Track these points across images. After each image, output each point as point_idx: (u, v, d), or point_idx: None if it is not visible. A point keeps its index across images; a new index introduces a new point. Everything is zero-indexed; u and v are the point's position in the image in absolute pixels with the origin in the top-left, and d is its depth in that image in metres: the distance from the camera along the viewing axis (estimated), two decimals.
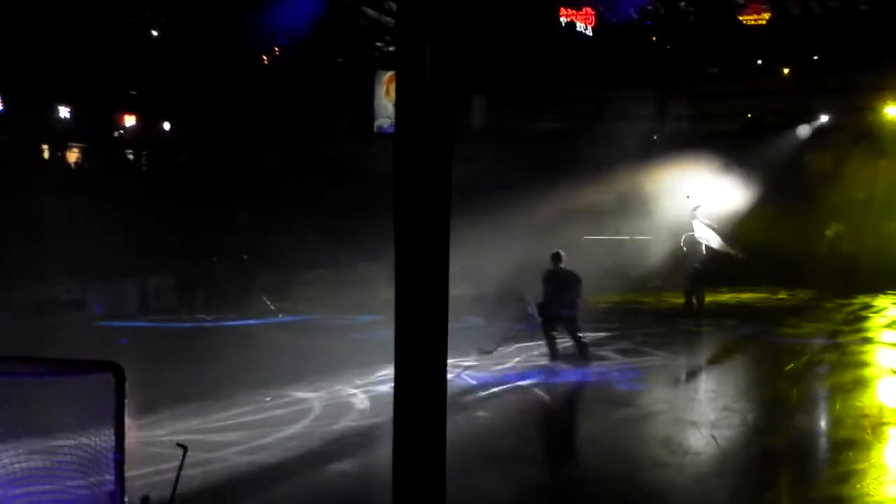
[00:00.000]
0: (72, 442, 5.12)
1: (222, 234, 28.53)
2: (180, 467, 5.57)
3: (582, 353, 17.07)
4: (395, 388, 4.32)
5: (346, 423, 12.34)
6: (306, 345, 19.85)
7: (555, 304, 17.21)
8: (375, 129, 39.22)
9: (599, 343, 19.38)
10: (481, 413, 13.09)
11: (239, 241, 28.53)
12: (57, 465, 5.15)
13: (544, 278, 17.50)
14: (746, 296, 31.81)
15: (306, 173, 32.74)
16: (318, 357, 17.69)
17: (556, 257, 17.53)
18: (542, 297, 17.38)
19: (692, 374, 17.22)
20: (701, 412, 13.20)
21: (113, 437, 4.81)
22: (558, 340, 17.33)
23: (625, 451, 10.96)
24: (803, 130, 41.90)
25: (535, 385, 15.06)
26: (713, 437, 11.34)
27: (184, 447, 5.65)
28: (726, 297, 30.91)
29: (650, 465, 10.02)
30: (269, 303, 25.07)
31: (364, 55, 41.46)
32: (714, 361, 19.01)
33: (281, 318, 23.74)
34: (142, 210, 28.31)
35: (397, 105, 4.45)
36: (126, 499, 4.77)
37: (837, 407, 12.92)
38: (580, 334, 17.26)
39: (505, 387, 14.88)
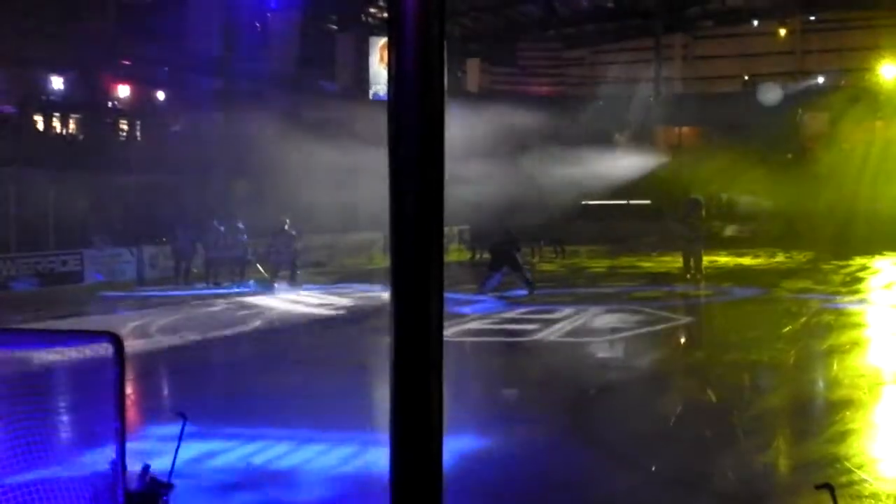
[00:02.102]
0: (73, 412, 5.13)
1: (217, 202, 28.47)
2: (180, 437, 5.57)
3: (294, 280, 24.43)
4: (393, 357, 4.29)
5: None
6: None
7: (276, 254, 24.78)
8: (371, 97, 39.14)
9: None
10: None
11: (234, 209, 28.46)
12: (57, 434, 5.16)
13: (272, 236, 24.89)
14: (745, 259, 31.83)
15: (300, 139, 32.62)
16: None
17: (283, 222, 24.92)
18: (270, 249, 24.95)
19: (689, 337, 17.28)
20: (697, 372, 13.23)
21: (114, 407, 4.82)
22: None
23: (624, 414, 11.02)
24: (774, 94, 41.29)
25: None
26: (709, 393, 11.41)
27: (183, 416, 5.65)
28: (724, 259, 30.97)
29: (648, 430, 10.06)
30: (263, 271, 25.08)
31: (357, 21, 41.24)
32: (711, 324, 19.08)
33: (276, 286, 23.75)
34: (135, 179, 28.22)
35: (389, 71, 4.39)
36: (127, 469, 4.79)
37: (834, 367, 12.97)
38: (298, 271, 25.01)
39: None
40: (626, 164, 39.19)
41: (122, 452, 4.57)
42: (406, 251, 4.34)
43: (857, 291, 22.55)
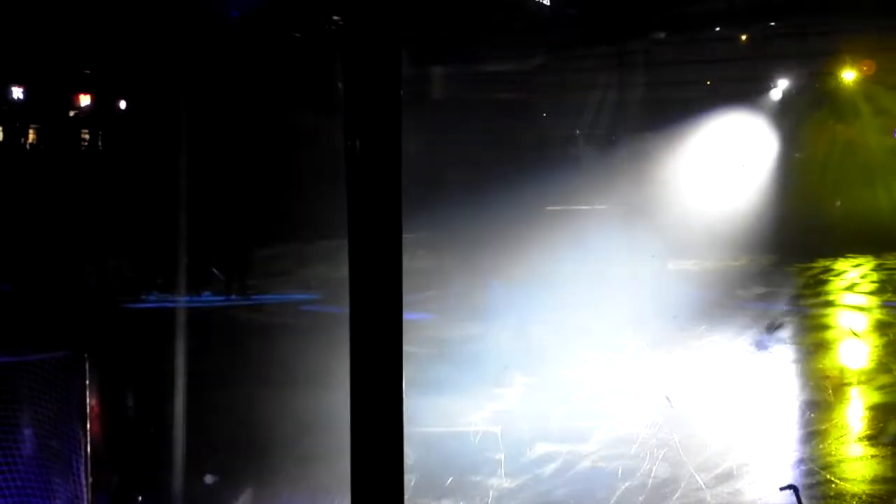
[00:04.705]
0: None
1: (183, 212, 28.20)
2: (149, 444, 5.51)
3: None
4: (351, 366, 4.26)
5: None
6: None
7: None
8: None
9: None
10: None
11: (201, 218, 28.20)
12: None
13: None
14: (709, 262, 31.86)
15: (265, 147, 32.44)
16: None
17: None
18: None
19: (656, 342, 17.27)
20: (660, 376, 13.23)
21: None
22: None
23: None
24: None
25: None
26: (667, 398, 11.43)
27: (151, 428, 5.59)
28: (688, 263, 31.00)
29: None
30: (225, 281, 24.91)
31: (321, 29, 41.04)
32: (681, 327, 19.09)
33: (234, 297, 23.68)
34: (98, 190, 27.91)
35: (345, 78, 4.38)
36: (90, 478, 4.72)
37: (800, 369, 13.05)
38: None
39: None
40: (590, 169, 39.19)
41: (86, 466, 4.51)
42: (365, 256, 4.32)
43: (820, 293, 22.66)
